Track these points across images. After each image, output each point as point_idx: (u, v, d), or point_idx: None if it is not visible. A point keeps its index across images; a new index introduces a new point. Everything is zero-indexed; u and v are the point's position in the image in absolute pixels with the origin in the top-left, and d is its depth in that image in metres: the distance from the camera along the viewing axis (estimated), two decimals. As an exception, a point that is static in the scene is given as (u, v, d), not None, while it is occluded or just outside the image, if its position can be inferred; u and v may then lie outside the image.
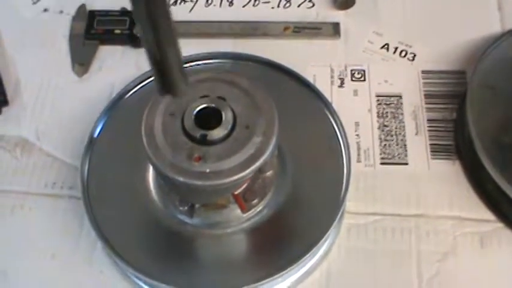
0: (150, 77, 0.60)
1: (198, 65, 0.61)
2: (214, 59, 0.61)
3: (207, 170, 0.47)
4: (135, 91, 0.60)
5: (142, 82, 0.60)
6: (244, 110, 0.50)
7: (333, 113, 0.58)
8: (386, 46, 0.66)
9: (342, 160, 0.56)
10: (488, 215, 0.56)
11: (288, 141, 0.55)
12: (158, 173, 0.50)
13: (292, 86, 0.60)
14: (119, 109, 0.58)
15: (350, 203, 0.56)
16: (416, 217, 0.56)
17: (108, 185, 0.56)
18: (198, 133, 0.48)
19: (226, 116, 0.49)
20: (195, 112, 0.49)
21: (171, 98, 0.48)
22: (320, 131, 0.58)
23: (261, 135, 0.48)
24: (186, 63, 0.60)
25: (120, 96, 0.59)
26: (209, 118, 0.49)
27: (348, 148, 0.56)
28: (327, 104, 0.59)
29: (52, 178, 0.59)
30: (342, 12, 0.68)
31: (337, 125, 0.57)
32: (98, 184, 0.56)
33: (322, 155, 0.57)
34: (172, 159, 0.47)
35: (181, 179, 0.47)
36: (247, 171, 0.47)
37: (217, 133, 0.48)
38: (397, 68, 0.65)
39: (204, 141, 0.48)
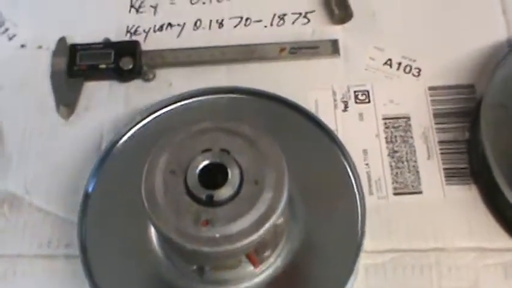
0: (143, 119, 0.55)
1: (193, 102, 0.56)
2: (209, 94, 0.56)
3: (217, 235, 0.42)
4: (128, 136, 0.54)
5: (134, 126, 0.54)
6: (251, 162, 0.45)
7: (341, 146, 0.53)
8: (389, 62, 0.61)
9: (355, 197, 0.52)
10: (511, 243, 0.53)
11: (295, 181, 0.50)
12: (162, 237, 0.45)
13: (294, 118, 0.55)
14: (113, 158, 0.53)
15: (365, 241, 0.52)
16: (436, 251, 0.52)
17: (108, 243, 0.51)
18: (203, 194, 0.43)
19: (233, 172, 0.44)
20: (198, 170, 0.44)
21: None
22: (329, 167, 0.53)
23: (271, 190, 0.44)
24: (180, 101, 0.56)
25: (113, 144, 0.54)
26: (214, 175, 0.44)
27: (361, 186, 0.52)
28: (333, 136, 0.54)
29: (46, 236, 0.53)
30: (339, 28, 0.62)
31: (346, 160, 0.53)
32: (97, 242, 0.51)
33: (333, 193, 0.52)
34: (178, 224, 0.43)
35: (188, 245, 0.42)
36: (260, 232, 0.43)
37: (224, 193, 0.43)
38: (403, 85, 0.60)
39: (210, 202, 0.43)
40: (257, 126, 0.53)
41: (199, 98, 0.56)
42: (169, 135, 0.47)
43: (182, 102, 0.55)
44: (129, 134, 0.54)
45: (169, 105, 0.55)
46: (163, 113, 0.55)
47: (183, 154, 0.45)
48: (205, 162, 0.45)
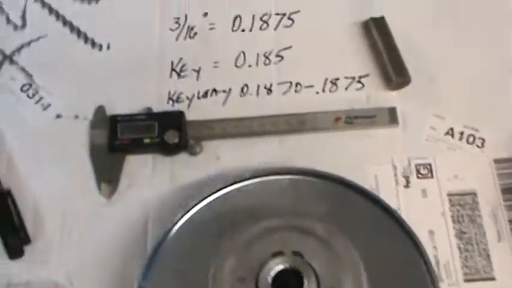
0: (195, 205, 0.52)
1: (250, 184, 0.53)
2: (267, 176, 0.53)
3: None
4: (181, 224, 0.52)
5: (187, 213, 0.52)
6: (326, 267, 0.43)
7: (410, 232, 0.51)
8: (450, 132, 0.59)
9: (427, 286, 0.50)
10: None
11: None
12: None
13: (357, 199, 0.53)
14: (166, 247, 0.51)
15: (437, 335, 0.50)
16: None
17: None
18: (278, 305, 0.41)
19: (309, 280, 0.42)
20: (270, 279, 0.42)
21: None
22: (397, 254, 0.51)
23: (350, 298, 0.42)
24: (234, 183, 0.53)
25: (166, 233, 0.51)
26: (288, 281, 0.42)
27: (434, 274, 0.50)
28: (400, 221, 0.52)
29: (93, 333, 0.51)
30: (395, 93, 0.60)
31: (416, 246, 0.51)
32: None
33: (404, 283, 0.50)
34: (251, 337, 0.41)
35: None
36: None
37: (300, 303, 0.41)
38: (466, 158, 0.58)
39: (286, 313, 0.41)
40: (318, 211, 0.51)
41: (255, 180, 0.53)
42: (235, 235, 0.45)
43: (237, 186, 0.53)
44: (182, 221, 0.52)
45: (224, 188, 0.53)
46: (218, 196, 0.53)
47: (251, 258, 0.43)
48: (278, 268, 0.43)
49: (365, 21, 0.63)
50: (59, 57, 0.62)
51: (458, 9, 0.63)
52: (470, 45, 0.62)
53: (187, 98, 0.61)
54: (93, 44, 0.63)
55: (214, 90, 0.61)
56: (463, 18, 0.63)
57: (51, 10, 0.64)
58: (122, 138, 0.57)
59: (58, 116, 0.60)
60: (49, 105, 0.60)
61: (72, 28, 0.63)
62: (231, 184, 0.53)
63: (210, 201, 0.52)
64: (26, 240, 0.54)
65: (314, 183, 0.53)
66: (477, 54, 0.61)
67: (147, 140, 0.57)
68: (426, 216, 0.55)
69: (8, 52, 0.62)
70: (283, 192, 0.53)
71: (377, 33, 0.62)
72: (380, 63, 0.61)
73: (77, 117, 0.59)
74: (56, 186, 0.57)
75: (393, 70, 0.60)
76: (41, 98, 0.60)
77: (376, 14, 0.62)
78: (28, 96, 0.60)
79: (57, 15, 0.64)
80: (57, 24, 0.63)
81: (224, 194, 0.52)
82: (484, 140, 0.58)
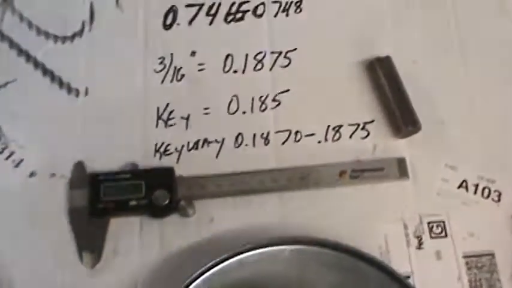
0: (190, 283, 0.48)
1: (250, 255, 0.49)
2: (270, 246, 0.49)
3: None
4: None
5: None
6: None
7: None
8: (464, 184, 0.55)
9: None
10: None
11: None
12: None
13: (367, 268, 0.49)
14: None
15: None
16: None
17: None
18: None
19: None
20: None
21: None
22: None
23: None
24: (233, 256, 0.49)
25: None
26: None
27: None
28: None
29: None
30: (404, 141, 0.57)
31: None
32: None
33: None
34: None
35: None
36: None
37: None
38: (482, 214, 0.55)
39: None
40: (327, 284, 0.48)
41: (252, 252, 0.49)
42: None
43: (232, 260, 0.48)
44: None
45: (222, 262, 0.48)
46: (216, 271, 0.48)
47: None
48: None
49: (369, 61, 0.59)
50: (30, 105, 0.57)
51: (469, 48, 0.59)
52: (482, 87, 0.58)
53: (176, 149, 0.56)
54: (69, 89, 0.58)
55: (206, 141, 0.57)
56: (473, 58, 0.59)
57: (20, 51, 0.58)
58: (105, 201, 0.52)
59: (32, 174, 0.55)
60: (21, 161, 0.55)
61: (45, 71, 0.58)
62: (230, 257, 0.48)
63: (207, 277, 0.48)
64: (-1, 322, 0.50)
65: (320, 253, 0.49)
66: (490, 96, 0.58)
67: (133, 202, 0.53)
68: (441, 282, 0.53)
69: (-28, 100, 0.57)
70: (287, 264, 0.49)
71: (383, 75, 0.58)
72: (386, 108, 0.57)
73: (53, 175, 0.55)
74: (31, 255, 0.52)
75: (402, 117, 0.56)
76: (11, 153, 0.55)
77: (381, 53, 0.58)
78: (-3, 151, 0.55)
79: (28, 57, 0.58)
80: (27, 66, 0.58)
81: (222, 268, 0.48)
82: (500, 193, 0.55)
